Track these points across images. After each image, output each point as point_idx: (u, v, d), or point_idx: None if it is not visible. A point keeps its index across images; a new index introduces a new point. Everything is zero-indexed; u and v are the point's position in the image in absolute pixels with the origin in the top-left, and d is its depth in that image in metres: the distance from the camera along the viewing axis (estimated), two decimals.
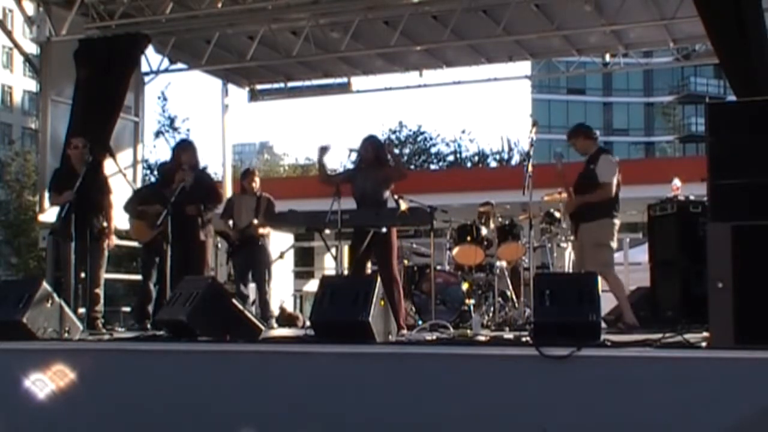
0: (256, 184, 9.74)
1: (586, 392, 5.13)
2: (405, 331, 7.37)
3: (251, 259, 9.53)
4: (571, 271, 9.80)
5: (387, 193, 8.13)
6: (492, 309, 9.05)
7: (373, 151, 8.25)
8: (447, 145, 39.78)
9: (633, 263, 12.24)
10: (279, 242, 11.06)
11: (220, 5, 10.66)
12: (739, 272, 5.03)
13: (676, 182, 8.53)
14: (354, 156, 8.51)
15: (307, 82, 13.79)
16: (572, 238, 8.17)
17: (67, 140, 9.26)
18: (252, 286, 9.74)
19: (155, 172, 14.76)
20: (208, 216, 9.07)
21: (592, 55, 13.08)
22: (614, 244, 7.53)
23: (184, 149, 9.29)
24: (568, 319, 5.43)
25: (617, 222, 7.58)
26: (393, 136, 37.65)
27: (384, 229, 7.81)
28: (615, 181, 7.54)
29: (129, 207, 9.16)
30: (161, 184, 9.12)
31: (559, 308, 5.51)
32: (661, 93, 54.33)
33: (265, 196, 9.69)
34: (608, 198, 7.52)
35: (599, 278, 5.73)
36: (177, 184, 8.50)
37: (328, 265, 15.66)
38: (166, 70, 12.91)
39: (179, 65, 12.98)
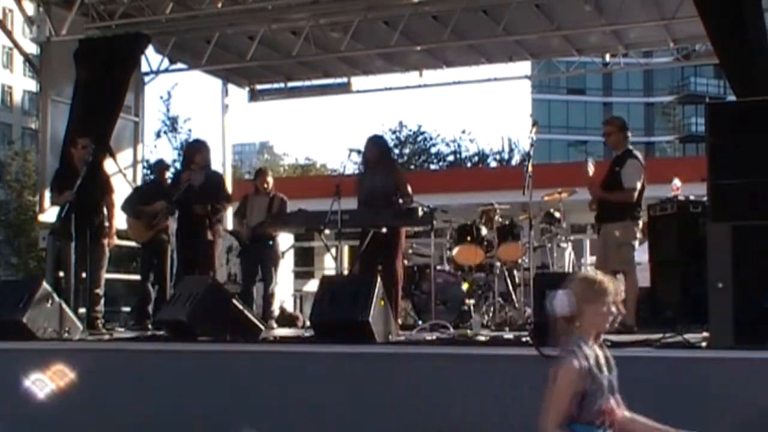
0: (269, 183, 9.71)
1: None
2: (399, 331, 7.35)
3: (260, 258, 9.49)
4: (571, 271, 9.83)
5: (396, 195, 8.08)
6: (492, 309, 9.05)
7: (376, 151, 8.22)
8: (447, 145, 39.79)
9: None
10: (279, 242, 11.04)
11: (220, 5, 10.65)
12: (739, 272, 5.04)
13: (676, 182, 8.51)
14: (354, 156, 8.48)
15: (307, 82, 13.76)
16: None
17: (71, 140, 9.23)
18: (257, 285, 9.70)
19: (152, 170, 14.63)
20: (218, 216, 9.02)
21: (592, 55, 13.06)
22: (636, 243, 7.66)
23: (198, 149, 9.19)
24: None
25: (639, 222, 7.70)
26: (393, 136, 37.63)
27: (384, 230, 7.80)
28: (639, 186, 7.61)
29: (127, 206, 9.14)
30: (170, 184, 9.10)
31: None
32: (661, 93, 54.32)
33: (279, 195, 9.65)
34: (631, 201, 7.58)
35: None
36: (183, 183, 8.51)
37: (328, 265, 15.65)
38: (166, 70, 12.89)
39: (179, 65, 12.97)
